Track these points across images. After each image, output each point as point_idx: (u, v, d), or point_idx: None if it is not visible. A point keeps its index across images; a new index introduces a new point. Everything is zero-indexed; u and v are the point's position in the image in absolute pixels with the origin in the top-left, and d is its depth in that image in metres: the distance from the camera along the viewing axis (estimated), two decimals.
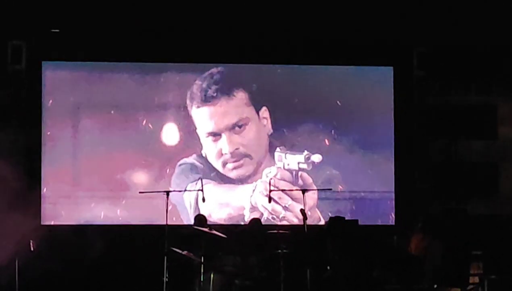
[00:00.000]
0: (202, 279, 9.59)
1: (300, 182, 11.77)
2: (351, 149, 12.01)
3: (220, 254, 9.98)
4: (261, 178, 11.81)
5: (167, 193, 9.76)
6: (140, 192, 10.80)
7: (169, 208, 9.66)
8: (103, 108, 11.78)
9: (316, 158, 11.83)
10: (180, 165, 11.77)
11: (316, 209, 11.83)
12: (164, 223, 9.46)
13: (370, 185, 12.02)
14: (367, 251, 10.12)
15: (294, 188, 11.54)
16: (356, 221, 10.91)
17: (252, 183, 11.83)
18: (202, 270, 9.57)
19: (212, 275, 9.68)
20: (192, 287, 9.83)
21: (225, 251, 10.06)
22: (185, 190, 10.86)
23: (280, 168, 11.85)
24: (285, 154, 11.89)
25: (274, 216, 11.73)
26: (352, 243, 10.13)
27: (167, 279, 9.39)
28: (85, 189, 11.68)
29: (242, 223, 11.55)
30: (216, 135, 11.86)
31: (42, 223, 11.29)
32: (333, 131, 12.04)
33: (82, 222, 11.51)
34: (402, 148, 12.06)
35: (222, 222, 11.61)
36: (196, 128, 11.87)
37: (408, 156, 12.04)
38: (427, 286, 9.78)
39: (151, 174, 11.74)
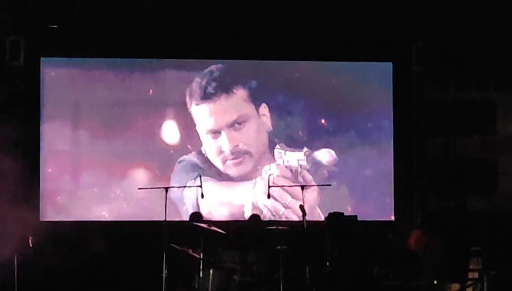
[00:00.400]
0: (201, 275, 9.60)
1: (300, 179, 11.77)
2: (350, 145, 12.02)
3: (219, 250, 9.98)
4: (261, 175, 11.80)
5: (166, 189, 9.76)
6: (139, 188, 10.80)
7: (169, 205, 9.65)
8: (102, 105, 11.77)
9: (323, 155, 11.85)
10: (179, 162, 11.77)
11: (316, 206, 11.81)
12: (163, 219, 9.46)
13: (369, 180, 12.02)
14: (366, 247, 10.13)
15: (294, 184, 11.54)
16: (355, 217, 10.91)
17: (252, 180, 11.82)
18: (201, 266, 9.58)
19: (211, 271, 9.69)
20: (191, 283, 9.83)
21: (224, 247, 10.06)
22: (184, 186, 10.85)
23: (279, 165, 11.85)
24: (285, 151, 11.88)
25: (275, 214, 11.73)
26: (351, 239, 10.14)
27: (166, 275, 9.40)
28: (84, 185, 11.67)
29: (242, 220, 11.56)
30: (215, 132, 11.85)
31: (41, 219, 11.28)
32: (331, 127, 12.03)
33: (81, 219, 11.50)
34: (401, 143, 12.06)
35: (222, 219, 11.59)
36: (195, 125, 11.86)
37: (407, 151, 12.04)
38: (426, 282, 9.79)
39: (150, 170, 11.72)
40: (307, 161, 11.86)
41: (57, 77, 11.75)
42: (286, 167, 11.86)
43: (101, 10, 11.28)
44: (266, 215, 11.64)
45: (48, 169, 11.63)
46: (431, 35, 11.84)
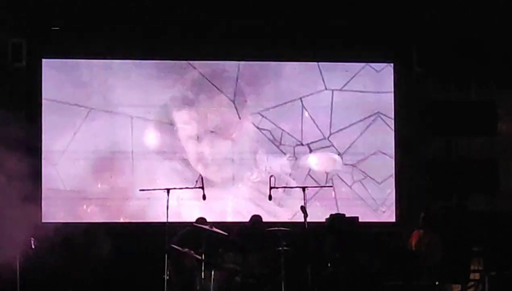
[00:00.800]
0: (202, 276, 9.61)
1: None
2: (350, 146, 12.03)
3: (220, 251, 9.99)
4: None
5: (168, 190, 9.77)
6: (140, 190, 10.80)
7: (170, 206, 9.67)
8: (102, 106, 11.77)
9: (311, 160, 11.85)
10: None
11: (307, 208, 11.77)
12: (165, 220, 9.48)
13: (370, 181, 12.02)
14: (368, 248, 10.14)
15: (294, 185, 11.53)
16: (357, 217, 10.93)
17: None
18: (202, 267, 9.59)
19: (212, 272, 9.70)
20: (193, 285, 9.84)
21: (226, 248, 10.07)
22: (186, 188, 10.84)
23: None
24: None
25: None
26: (352, 240, 10.15)
27: (167, 277, 9.41)
28: (86, 186, 11.68)
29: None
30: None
31: (43, 220, 11.29)
32: (331, 128, 12.03)
33: (82, 220, 11.52)
34: (402, 144, 12.06)
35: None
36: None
37: (408, 152, 12.04)
38: (427, 283, 9.80)
39: (151, 171, 11.73)
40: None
41: (58, 78, 11.75)
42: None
43: (102, 12, 11.30)
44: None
45: (50, 169, 11.64)
46: (433, 36, 11.84)
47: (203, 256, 9.55)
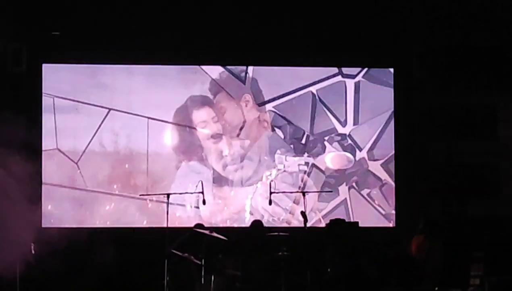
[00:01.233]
0: (202, 282, 9.60)
1: (301, 184, 11.80)
2: (351, 150, 12.03)
3: (220, 257, 9.99)
4: (261, 180, 11.81)
5: (168, 195, 9.78)
6: (140, 195, 10.81)
7: (170, 210, 9.67)
8: (103, 110, 11.78)
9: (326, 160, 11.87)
10: (181, 168, 11.77)
11: (316, 211, 11.83)
12: (165, 225, 9.47)
13: (370, 186, 12.02)
14: (368, 253, 10.13)
15: (295, 190, 11.57)
16: (357, 223, 10.93)
17: (252, 185, 11.84)
18: (203, 273, 9.59)
19: (212, 278, 9.69)
20: (192, 290, 9.84)
21: (226, 254, 10.07)
22: (186, 193, 10.85)
23: (280, 170, 11.86)
24: (286, 156, 11.89)
25: (275, 218, 11.74)
26: (352, 245, 10.14)
27: (167, 282, 9.40)
28: (86, 191, 11.67)
29: (243, 225, 11.57)
30: (216, 137, 11.86)
31: (43, 225, 11.28)
32: (333, 133, 12.03)
33: (83, 225, 11.51)
34: (403, 148, 12.05)
35: (222, 225, 11.61)
36: (196, 130, 11.88)
37: (408, 157, 12.03)
38: (427, 288, 9.79)
39: (152, 176, 11.74)
40: (308, 166, 11.87)
41: (58, 83, 11.75)
42: (286, 172, 11.87)
43: (102, 16, 11.30)
44: (267, 220, 11.63)
45: (50, 174, 11.64)
46: (433, 40, 11.84)
47: (203, 261, 9.55)
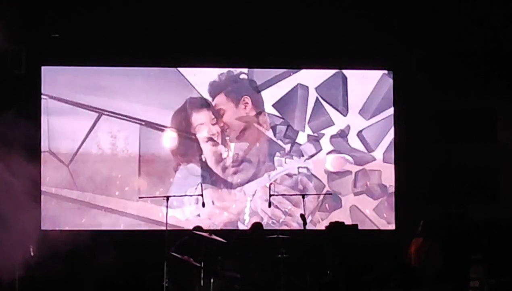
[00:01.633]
0: (202, 284, 9.60)
1: (300, 186, 11.80)
2: (350, 153, 12.04)
3: (220, 259, 9.98)
4: (261, 182, 11.81)
5: (167, 198, 9.78)
6: (140, 197, 10.80)
7: (169, 213, 9.66)
8: (102, 113, 11.78)
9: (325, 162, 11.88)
10: (179, 170, 11.77)
11: (316, 213, 11.83)
12: (164, 228, 9.46)
13: (370, 188, 12.02)
14: (367, 255, 10.13)
15: (294, 192, 11.57)
16: (356, 225, 10.94)
17: (252, 187, 11.83)
18: (202, 275, 9.58)
19: (212, 280, 9.69)
20: None
21: (225, 256, 10.06)
22: (185, 195, 10.85)
23: (279, 172, 11.86)
24: (285, 158, 11.90)
25: (274, 221, 11.74)
26: (352, 248, 10.14)
27: (167, 284, 9.40)
28: (85, 194, 11.67)
29: (242, 228, 11.57)
30: (215, 140, 11.87)
31: (42, 228, 11.28)
32: (332, 135, 12.04)
33: (82, 227, 11.51)
34: (402, 151, 12.05)
35: (222, 227, 11.61)
36: (195, 133, 11.88)
37: (407, 159, 12.03)
38: None
39: (151, 178, 11.74)
40: (307, 168, 11.88)
41: (58, 85, 11.76)
42: (286, 174, 11.87)
43: (101, 19, 11.31)
44: (266, 222, 11.64)
45: (49, 177, 11.64)
46: (432, 43, 11.85)
47: (202, 263, 9.55)
